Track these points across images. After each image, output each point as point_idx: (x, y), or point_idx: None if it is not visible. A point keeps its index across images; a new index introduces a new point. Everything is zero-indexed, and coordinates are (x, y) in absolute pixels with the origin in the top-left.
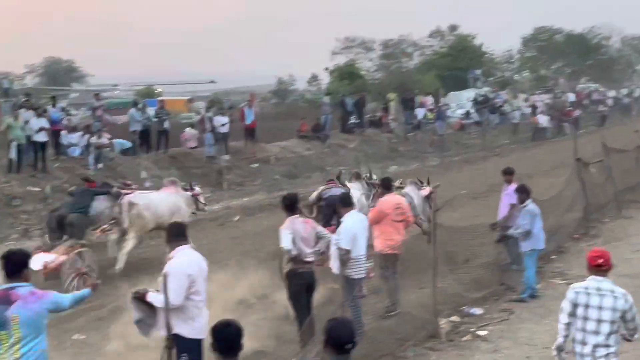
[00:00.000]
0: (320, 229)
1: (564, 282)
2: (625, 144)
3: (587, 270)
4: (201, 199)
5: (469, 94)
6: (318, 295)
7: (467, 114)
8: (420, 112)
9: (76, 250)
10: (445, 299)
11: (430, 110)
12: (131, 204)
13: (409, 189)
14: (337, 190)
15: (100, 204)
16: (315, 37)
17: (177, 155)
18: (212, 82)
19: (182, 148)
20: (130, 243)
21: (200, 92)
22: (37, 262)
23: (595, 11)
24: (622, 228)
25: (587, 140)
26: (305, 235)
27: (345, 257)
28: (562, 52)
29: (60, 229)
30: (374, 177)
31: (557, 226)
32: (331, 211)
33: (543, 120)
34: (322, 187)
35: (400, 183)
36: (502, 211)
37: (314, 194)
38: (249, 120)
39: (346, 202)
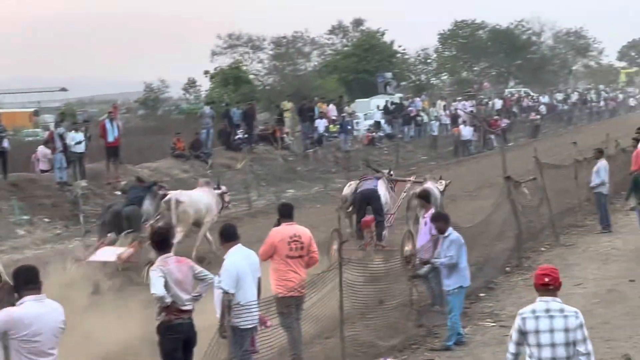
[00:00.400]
0: (199, 269)
1: (495, 324)
2: (562, 159)
3: (535, 290)
4: (226, 198)
5: (378, 102)
6: (199, 352)
7: (377, 125)
8: (321, 124)
9: (145, 243)
10: (356, 349)
11: (333, 121)
12: (178, 202)
13: (430, 184)
14: (371, 183)
15: (146, 201)
16: (192, 34)
17: (20, 182)
18: (63, 89)
19: (28, 173)
20: (178, 237)
21: (48, 103)
22: (108, 254)
23: (523, 2)
24: (561, 258)
25: (517, 154)
26: (180, 277)
27: (230, 302)
28: (486, 51)
29: (115, 223)
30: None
31: (485, 258)
32: (364, 204)
33: (466, 131)
34: (353, 183)
35: (416, 178)
36: (422, 242)
37: (348, 189)
38: (111, 137)
39: (228, 234)
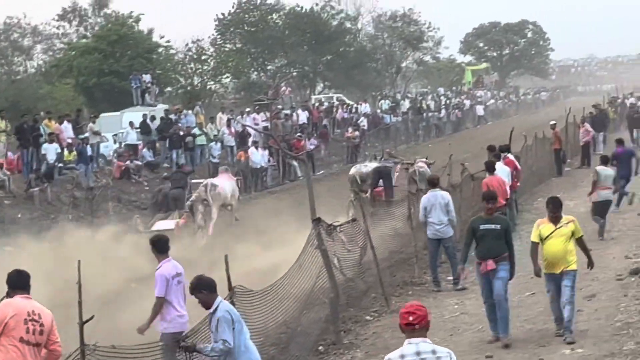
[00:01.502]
0: None
1: None
2: (395, 190)
3: (402, 332)
4: (239, 183)
5: (133, 116)
6: None
7: (133, 150)
8: (51, 151)
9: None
10: None
11: (69, 146)
12: (213, 185)
13: (421, 164)
14: (389, 163)
15: (188, 185)
16: None
17: None
18: None
19: None
20: (214, 215)
21: None
22: (166, 224)
23: None
24: (394, 329)
25: (330, 186)
26: None
27: None
28: (283, 43)
29: (164, 203)
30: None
31: (290, 334)
32: (377, 178)
33: (258, 156)
34: (362, 165)
35: (404, 161)
36: None
37: (364, 169)
38: None
39: None
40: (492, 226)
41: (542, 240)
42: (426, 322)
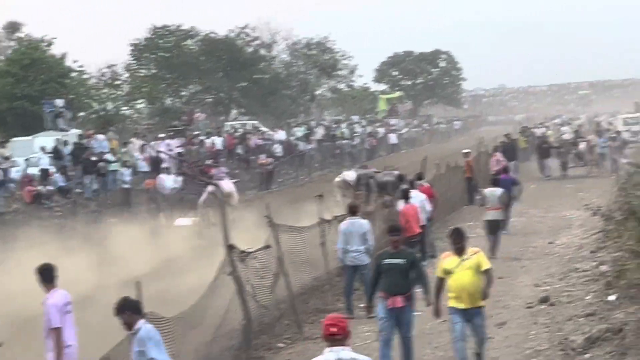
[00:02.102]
0: None
1: None
2: (305, 218)
3: (324, 341)
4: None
5: (45, 141)
6: None
7: (45, 175)
8: None
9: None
10: None
11: None
12: (222, 187)
13: (388, 176)
14: (369, 171)
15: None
16: None
17: None
18: None
19: None
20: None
21: None
22: (185, 221)
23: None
24: (306, 357)
25: (243, 214)
26: None
27: None
28: (198, 69)
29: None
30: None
31: None
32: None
33: (171, 182)
34: (350, 172)
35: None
36: None
37: (351, 176)
38: None
39: None
40: (397, 261)
41: (448, 274)
42: (347, 332)
